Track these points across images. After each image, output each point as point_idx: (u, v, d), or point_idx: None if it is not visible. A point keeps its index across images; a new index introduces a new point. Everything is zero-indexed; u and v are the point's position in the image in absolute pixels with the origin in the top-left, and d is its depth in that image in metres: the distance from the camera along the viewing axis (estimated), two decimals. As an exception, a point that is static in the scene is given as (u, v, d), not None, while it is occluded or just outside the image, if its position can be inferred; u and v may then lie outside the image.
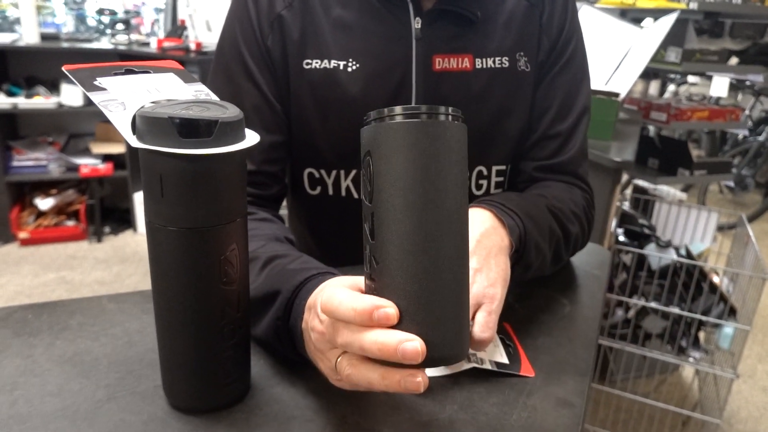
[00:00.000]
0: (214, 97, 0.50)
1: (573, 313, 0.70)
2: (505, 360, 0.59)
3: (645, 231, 2.00)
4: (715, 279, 1.83)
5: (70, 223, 3.27)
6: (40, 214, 3.23)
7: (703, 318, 1.65)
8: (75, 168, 3.16)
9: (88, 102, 3.15)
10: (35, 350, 0.56)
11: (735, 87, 4.62)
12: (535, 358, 0.59)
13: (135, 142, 0.42)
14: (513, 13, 0.76)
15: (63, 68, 0.46)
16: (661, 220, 2.22)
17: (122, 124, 0.43)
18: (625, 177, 2.52)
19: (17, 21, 3.46)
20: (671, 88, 4.52)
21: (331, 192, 0.79)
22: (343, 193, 0.78)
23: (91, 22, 3.84)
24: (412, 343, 0.37)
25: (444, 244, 0.39)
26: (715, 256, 2.19)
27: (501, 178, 0.81)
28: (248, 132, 0.47)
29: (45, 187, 3.29)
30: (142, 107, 0.44)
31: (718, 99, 4.73)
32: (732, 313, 1.72)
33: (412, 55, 0.73)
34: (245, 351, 0.51)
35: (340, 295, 0.40)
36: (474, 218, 0.60)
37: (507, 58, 0.75)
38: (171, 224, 0.44)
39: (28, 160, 3.15)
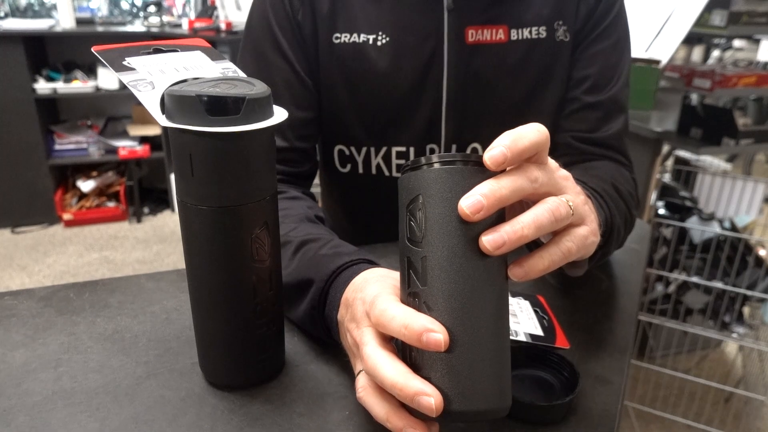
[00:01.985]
0: (242, 74, 0.50)
1: (611, 289, 0.68)
2: (539, 332, 0.58)
3: (686, 204, 1.93)
4: (762, 252, 1.77)
5: (111, 204, 3.36)
6: (82, 196, 3.33)
7: (748, 292, 1.60)
8: (114, 150, 3.23)
9: (124, 85, 3.21)
10: (78, 328, 0.58)
11: (784, 51, 4.39)
12: (572, 335, 0.58)
13: (164, 121, 0.42)
14: None
15: (92, 49, 0.46)
16: (704, 192, 2.14)
17: (151, 104, 0.43)
18: (666, 148, 2.44)
19: (54, 6, 3.53)
20: (715, 53, 4.33)
21: (361, 170, 0.78)
22: (374, 170, 0.78)
23: (125, 5, 3.89)
24: (427, 399, 0.35)
25: (488, 293, 0.38)
26: (761, 229, 2.11)
27: None
28: (276, 108, 0.46)
29: (86, 169, 3.38)
30: (171, 86, 0.43)
31: (766, 64, 4.51)
32: (779, 287, 1.66)
33: (443, 27, 0.71)
34: (279, 328, 0.51)
35: (393, 310, 0.39)
36: None
37: (544, 28, 0.73)
38: (202, 203, 0.44)
39: (69, 144, 3.24)
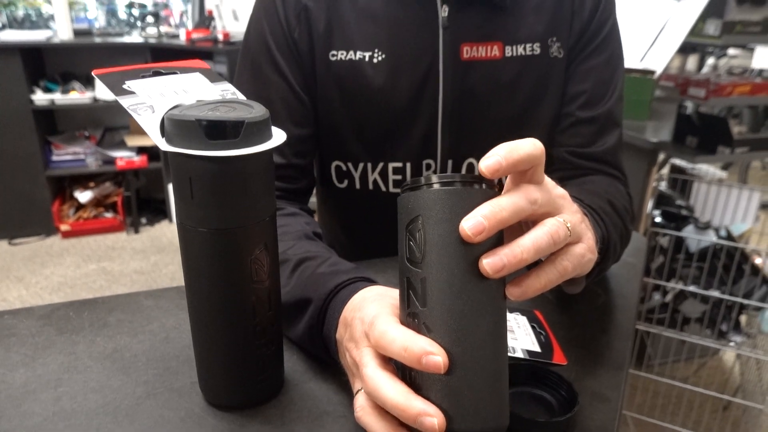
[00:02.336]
0: (241, 96, 0.50)
1: (608, 303, 0.69)
2: (536, 348, 0.58)
3: (683, 212, 1.94)
4: (758, 261, 1.78)
5: (109, 214, 3.36)
6: (80, 207, 3.33)
7: (745, 301, 1.60)
8: (111, 161, 3.24)
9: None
10: (77, 347, 0.58)
11: (779, 58, 4.42)
12: (569, 351, 0.58)
13: (164, 146, 0.42)
14: None
15: (93, 73, 0.47)
16: (700, 201, 2.15)
17: (151, 128, 0.44)
18: (662, 156, 2.45)
19: (51, 17, 3.54)
20: (710, 61, 4.36)
21: (358, 186, 0.79)
22: (371, 186, 0.78)
23: (122, 15, 3.90)
24: (430, 419, 0.36)
25: (487, 314, 0.39)
26: (757, 237, 2.12)
27: None
28: (275, 130, 0.47)
29: (83, 180, 3.39)
30: (170, 110, 0.44)
31: (761, 71, 4.54)
32: (776, 295, 1.67)
33: (439, 44, 0.71)
34: (278, 348, 0.51)
35: (393, 332, 0.39)
36: None
37: (538, 45, 0.73)
38: (201, 225, 0.44)
39: (67, 155, 3.24)
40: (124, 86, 0.46)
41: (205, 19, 3.44)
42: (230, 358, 0.48)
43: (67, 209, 3.29)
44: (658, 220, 1.98)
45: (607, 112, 0.76)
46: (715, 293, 1.68)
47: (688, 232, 1.82)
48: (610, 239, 0.59)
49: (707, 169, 2.38)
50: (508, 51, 0.73)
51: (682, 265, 1.76)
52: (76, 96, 3.11)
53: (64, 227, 3.22)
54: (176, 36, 3.40)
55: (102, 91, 3.15)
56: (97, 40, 3.24)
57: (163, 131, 0.44)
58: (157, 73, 0.49)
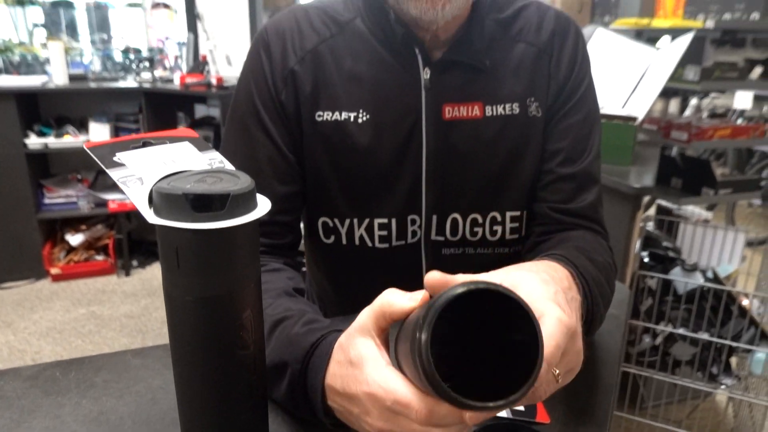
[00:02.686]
0: (228, 165, 0.52)
1: (590, 358, 0.70)
2: (520, 407, 0.59)
3: (670, 254, 1.96)
4: (745, 302, 1.79)
5: (100, 257, 3.34)
6: (71, 250, 3.32)
7: (734, 344, 1.61)
8: (103, 203, 3.25)
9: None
10: (63, 410, 0.58)
11: (760, 98, 4.54)
12: (552, 408, 0.59)
13: (151, 218, 0.44)
14: (522, 59, 0.77)
15: (84, 146, 0.49)
16: (687, 241, 2.18)
17: (139, 200, 0.45)
18: (647, 198, 2.49)
19: (47, 61, 3.60)
20: (693, 101, 4.47)
21: (345, 241, 0.80)
22: (357, 241, 0.80)
23: (118, 56, 3.97)
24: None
25: None
26: (744, 278, 2.14)
27: (516, 224, 0.81)
28: (260, 198, 0.48)
29: (75, 222, 3.38)
30: (158, 182, 0.46)
31: (743, 111, 4.65)
32: (764, 337, 1.68)
33: (421, 104, 0.74)
34: (263, 411, 0.52)
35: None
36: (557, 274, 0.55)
37: (518, 104, 0.76)
38: (187, 294, 0.45)
39: (59, 198, 3.25)
40: (115, 158, 0.48)
41: (199, 64, 3.51)
42: (215, 423, 0.48)
43: (58, 252, 3.28)
44: (646, 260, 2.00)
45: (586, 169, 0.78)
46: (704, 336, 1.68)
47: (676, 274, 1.84)
48: (596, 312, 0.61)
49: (693, 209, 2.42)
50: (489, 111, 0.76)
51: (671, 307, 1.77)
52: (70, 140, 3.14)
53: (54, 271, 3.20)
54: (170, 80, 3.46)
55: (96, 135, 3.19)
56: (92, 84, 3.29)
57: (151, 203, 0.45)
58: (146, 144, 0.51)
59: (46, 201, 3.23)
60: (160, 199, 0.44)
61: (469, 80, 0.75)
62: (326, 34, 0.76)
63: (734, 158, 4.28)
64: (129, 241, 3.37)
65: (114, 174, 0.47)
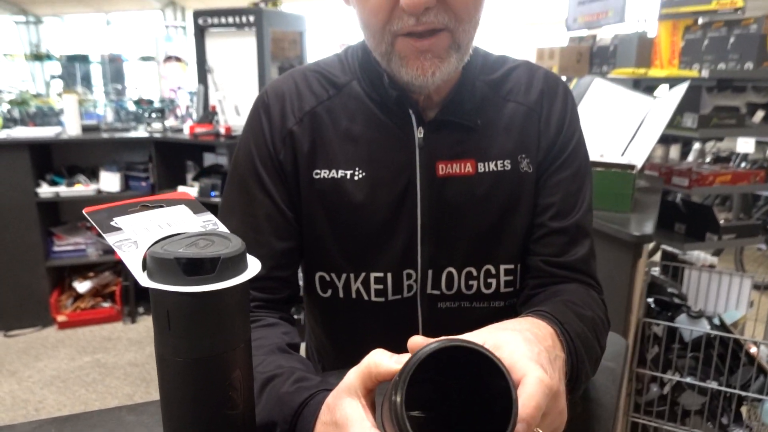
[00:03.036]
0: (221, 227, 0.54)
1: (586, 413, 0.69)
2: None
3: (675, 300, 1.95)
4: (753, 349, 1.76)
5: (106, 304, 3.36)
6: (78, 297, 3.34)
7: (743, 393, 1.58)
8: (112, 251, 3.27)
9: (125, 187, 3.32)
10: (55, 469, 0.58)
11: (762, 142, 4.57)
12: (545, 467, 0.59)
13: (144, 281, 0.45)
14: (512, 117, 0.79)
15: (84, 211, 0.51)
16: (692, 287, 2.17)
17: (133, 264, 0.47)
18: (652, 244, 2.49)
19: (62, 111, 3.70)
20: (696, 146, 4.50)
21: (341, 295, 0.81)
22: (354, 295, 0.81)
23: (130, 107, 4.09)
24: None
25: None
26: (752, 324, 2.12)
27: (510, 277, 0.82)
28: (250, 259, 0.50)
29: (83, 270, 3.41)
30: (153, 245, 0.47)
31: (746, 155, 4.68)
32: (774, 386, 1.64)
33: (416, 162, 0.76)
34: (252, 472, 0.52)
35: None
36: (539, 331, 0.56)
37: (509, 161, 0.78)
38: (177, 355, 0.46)
39: (68, 245, 3.30)
40: (112, 223, 0.50)
41: (208, 114, 3.60)
42: (203, 485, 0.49)
43: (65, 299, 3.30)
44: (653, 306, 1.98)
45: (577, 223, 0.80)
46: (712, 384, 1.65)
47: (681, 321, 1.82)
48: (581, 370, 0.61)
49: (698, 254, 2.41)
50: (481, 167, 0.78)
51: (678, 355, 1.74)
52: (81, 188, 3.20)
53: (60, 318, 3.21)
54: (180, 130, 3.55)
55: (106, 183, 3.25)
56: (104, 135, 3.38)
57: (145, 266, 0.47)
58: (144, 207, 0.53)
59: (56, 248, 3.28)
60: (153, 263, 0.46)
61: (461, 138, 0.77)
62: (324, 96, 0.79)
63: (739, 203, 4.27)
64: (136, 288, 3.39)
65: (110, 238, 0.48)
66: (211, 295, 0.45)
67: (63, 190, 3.17)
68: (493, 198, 0.78)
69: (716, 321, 1.84)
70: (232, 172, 0.81)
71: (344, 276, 0.80)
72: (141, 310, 3.43)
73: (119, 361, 2.90)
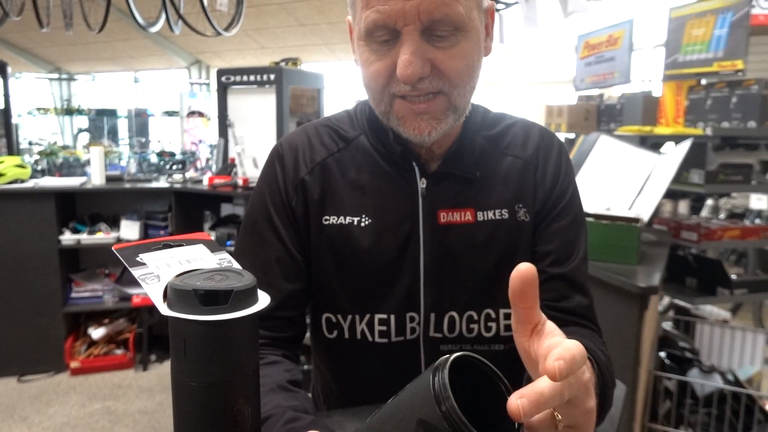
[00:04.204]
0: (236, 265, 0.59)
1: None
2: None
3: (687, 355, 1.93)
4: (768, 407, 1.74)
5: (119, 351, 3.38)
6: (92, 344, 3.37)
7: (758, 451, 1.55)
8: (128, 298, 3.34)
9: (144, 235, 3.41)
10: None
11: (777, 199, 4.57)
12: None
13: (165, 310, 0.50)
14: (509, 170, 0.85)
15: (113, 248, 0.56)
16: (705, 342, 2.15)
17: (155, 295, 0.52)
18: (666, 299, 2.48)
19: (87, 162, 3.86)
20: (709, 202, 4.52)
21: (347, 336, 0.85)
22: (359, 336, 0.84)
23: (153, 159, 4.24)
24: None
25: None
26: (768, 381, 2.08)
27: (510, 321, 0.85)
28: (261, 294, 0.55)
29: (98, 317, 3.46)
30: (173, 278, 0.52)
31: (760, 212, 4.67)
32: (790, 445, 1.61)
33: (419, 210, 0.82)
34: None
35: None
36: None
37: (506, 210, 0.83)
38: (191, 380, 0.51)
39: (86, 291, 3.36)
40: (137, 258, 0.55)
41: (227, 167, 3.72)
42: (209, 508, 0.52)
43: (80, 346, 3.33)
44: (666, 362, 1.97)
45: (575, 270, 0.83)
46: (727, 442, 1.62)
47: (694, 376, 1.81)
48: (607, 395, 0.64)
49: (710, 309, 2.40)
50: (480, 216, 0.82)
51: (690, 411, 1.72)
52: (102, 236, 3.30)
53: (74, 364, 3.24)
54: (199, 181, 3.66)
55: (126, 232, 3.35)
56: (127, 185, 3.50)
57: (165, 297, 0.52)
58: (166, 246, 0.59)
59: (73, 295, 3.34)
60: (173, 294, 0.50)
61: (461, 189, 0.83)
62: (334, 148, 0.86)
63: (756, 258, 4.24)
64: (149, 336, 3.42)
65: (136, 272, 0.54)
66: (224, 324, 0.50)
67: (84, 237, 3.27)
68: (492, 245, 0.83)
69: (730, 376, 1.82)
70: (247, 217, 0.87)
71: (350, 317, 0.84)
72: (153, 357, 3.45)
73: (129, 409, 2.90)
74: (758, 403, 1.68)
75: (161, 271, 0.55)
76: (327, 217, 0.83)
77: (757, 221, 4.37)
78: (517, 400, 0.42)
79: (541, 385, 0.43)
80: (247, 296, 0.52)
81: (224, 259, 0.60)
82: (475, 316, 0.84)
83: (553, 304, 0.83)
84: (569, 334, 0.78)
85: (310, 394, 0.93)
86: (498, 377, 0.46)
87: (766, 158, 5.28)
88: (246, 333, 0.52)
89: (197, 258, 0.58)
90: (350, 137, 0.87)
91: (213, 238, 3.44)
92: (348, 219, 0.82)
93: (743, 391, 1.67)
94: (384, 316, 0.83)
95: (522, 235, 0.84)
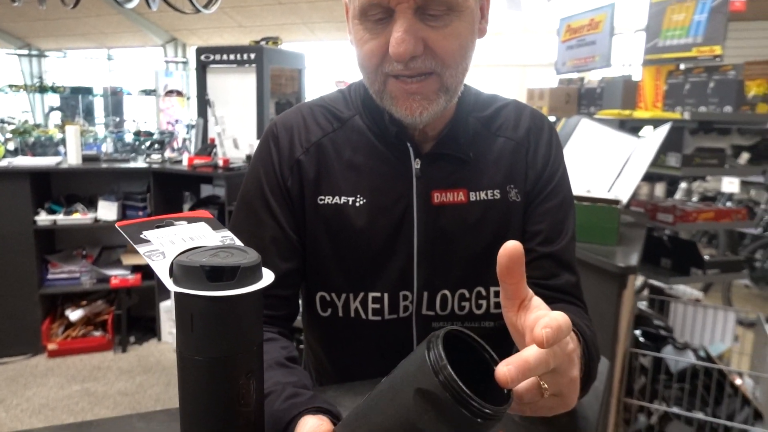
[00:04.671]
0: (238, 242, 0.60)
1: (571, 427, 0.74)
2: None
3: (661, 333, 2.00)
4: (738, 381, 1.81)
5: (97, 333, 3.35)
6: (69, 325, 3.33)
7: (729, 423, 1.62)
8: (106, 279, 3.30)
9: (123, 216, 3.36)
10: (72, 469, 0.62)
11: (747, 182, 4.71)
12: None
13: (172, 287, 0.51)
14: (502, 151, 0.86)
15: (116, 225, 0.56)
16: (679, 320, 2.22)
17: (162, 271, 0.52)
18: (640, 278, 2.55)
19: (61, 142, 3.77)
20: (683, 185, 4.62)
21: (341, 314, 0.86)
22: (352, 314, 0.86)
23: (129, 139, 4.16)
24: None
25: None
26: (737, 357, 2.16)
27: (500, 299, 0.87)
28: (265, 271, 0.55)
29: (76, 298, 3.42)
30: (178, 255, 0.53)
31: (731, 195, 4.80)
32: (758, 416, 1.68)
33: (413, 191, 0.83)
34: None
35: None
36: None
37: (498, 191, 0.85)
38: (198, 354, 0.51)
39: (62, 273, 3.31)
40: (142, 236, 0.55)
41: (207, 147, 3.68)
42: (216, 479, 0.53)
43: (57, 328, 3.30)
44: (641, 339, 2.03)
45: (564, 249, 0.86)
46: (699, 415, 1.69)
47: (668, 353, 1.87)
48: (591, 368, 0.66)
49: (684, 289, 2.47)
50: (473, 196, 0.84)
51: (664, 386, 1.78)
52: (78, 217, 3.24)
53: (51, 346, 3.21)
54: (179, 161, 3.61)
55: (104, 212, 3.30)
56: (104, 165, 3.44)
57: (171, 274, 0.52)
58: (169, 224, 0.59)
59: (50, 276, 3.29)
60: (180, 271, 0.51)
61: (454, 170, 0.84)
62: (329, 128, 0.86)
63: (726, 240, 4.37)
64: (128, 317, 3.40)
65: (141, 249, 0.54)
66: (231, 299, 0.51)
67: (60, 218, 3.21)
68: (484, 225, 0.84)
69: (702, 353, 1.89)
70: (242, 197, 0.87)
71: (344, 296, 0.85)
72: (132, 339, 3.43)
73: (109, 391, 2.89)
74: (728, 378, 1.74)
75: (166, 248, 0.55)
76: (322, 197, 0.84)
77: (728, 204, 4.49)
78: (505, 368, 0.44)
79: (528, 353, 0.46)
80: (252, 272, 0.53)
81: (227, 237, 0.60)
82: (467, 294, 0.86)
83: (542, 282, 0.86)
84: (561, 311, 0.81)
85: (302, 371, 0.95)
86: (485, 350, 0.48)
87: (737, 143, 5.42)
88: (252, 308, 0.53)
89: (200, 235, 0.59)
90: (345, 117, 0.87)
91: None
92: (343, 199, 0.83)
93: (715, 367, 1.73)
94: (378, 294, 0.85)
95: (513, 215, 0.86)
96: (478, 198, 0.84)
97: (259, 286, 0.53)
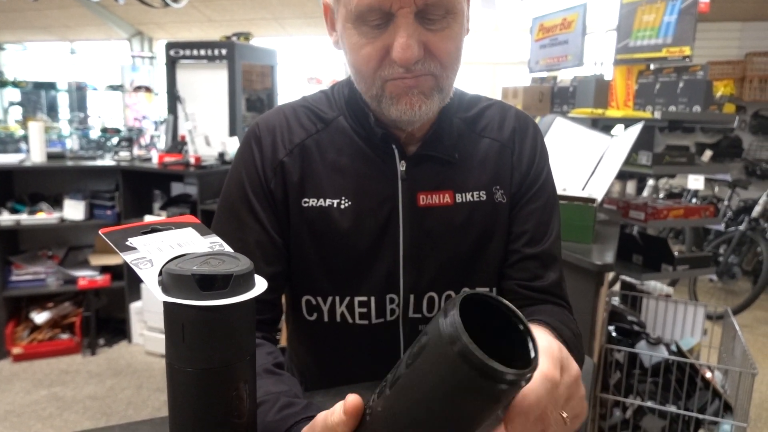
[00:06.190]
0: (227, 248, 0.58)
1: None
2: None
3: (635, 328, 2.04)
4: (708, 374, 1.86)
5: (65, 336, 3.26)
6: (35, 328, 3.23)
7: (700, 416, 1.66)
8: (73, 280, 3.20)
9: (90, 216, 3.27)
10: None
11: (711, 179, 4.84)
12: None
13: (161, 296, 0.49)
14: (487, 153, 0.86)
15: (100, 232, 0.54)
16: (650, 316, 2.27)
17: (151, 280, 0.50)
18: (612, 274, 2.60)
19: (23, 138, 3.63)
20: (650, 182, 4.72)
21: (326, 318, 0.85)
22: (338, 318, 0.84)
23: (95, 136, 4.05)
24: None
25: None
26: (707, 351, 2.22)
27: None
28: (257, 278, 0.54)
29: (42, 300, 3.31)
30: (167, 263, 0.51)
31: (696, 191, 4.93)
32: (728, 408, 1.73)
33: (398, 193, 0.82)
34: (253, 481, 0.55)
35: None
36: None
37: (484, 192, 0.85)
38: (189, 366, 0.50)
39: (27, 274, 3.20)
40: (127, 243, 0.53)
41: (177, 144, 3.60)
42: (208, 493, 0.51)
43: (22, 331, 3.19)
44: (614, 334, 2.07)
45: (548, 249, 0.86)
46: (671, 408, 1.73)
47: (641, 348, 1.91)
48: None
49: (654, 284, 2.52)
50: (459, 198, 0.84)
51: (638, 380, 1.82)
52: (43, 217, 3.14)
53: (16, 350, 3.10)
54: (148, 159, 3.53)
55: (70, 212, 3.20)
56: (69, 163, 3.33)
57: (160, 282, 0.50)
58: (154, 230, 0.57)
59: (13, 278, 3.18)
60: (170, 279, 0.49)
61: (440, 171, 0.83)
62: (313, 129, 0.84)
63: (691, 236, 4.48)
64: (97, 319, 3.31)
65: (127, 257, 0.52)
66: (224, 309, 0.49)
67: (24, 218, 3.10)
68: (470, 226, 0.84)
69: (673, 348, 1.93)
70: (223, 200, 0.85)
71: (330, 300, 0.84)
72: (102, 341, 3.34)
73: (78, 395, 2.81)
74: (699, 372, 1.79)
75: (153, 255, 0.53)
76: (306, 200, 0.82)
77: (694, 201, 4.61)
78: None
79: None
80: (246, 280, 0.51)
81: (215, 243, 0.59)
82: (454, 296, 0.86)
83: (527, 284, 0.86)
84: (542, 313, 0.81)
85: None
86: (510, 310, 0.44)
87: (701, 140, 5.58)
88: (245, 317, 0.52)
89: (188, 242, 0.57)
90: (329, 118, 0.85)
91: (164, 217, 3.34)
92: (328, 201, 0.82)
93: (686, 361, 1.78)
94: (364, 298, 0.84)
95: (499, 216, 0.86)
96: (464, 199, 0.84)
97: (253, 294, 0.51)
